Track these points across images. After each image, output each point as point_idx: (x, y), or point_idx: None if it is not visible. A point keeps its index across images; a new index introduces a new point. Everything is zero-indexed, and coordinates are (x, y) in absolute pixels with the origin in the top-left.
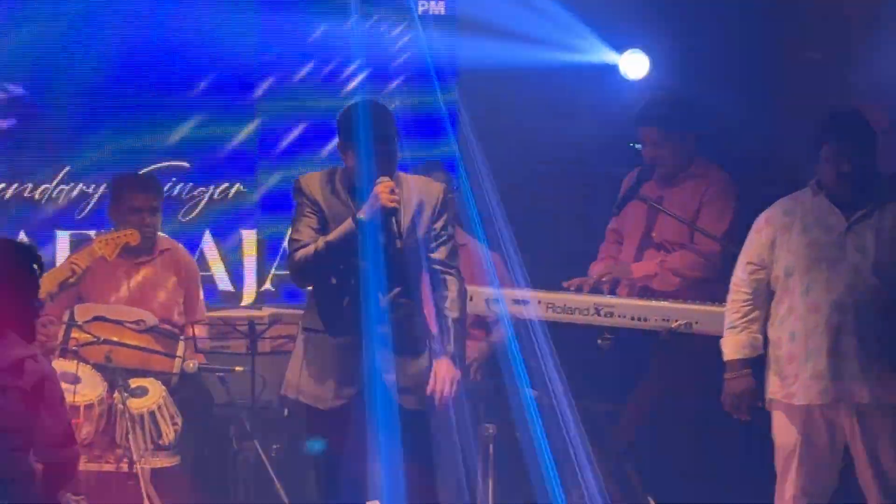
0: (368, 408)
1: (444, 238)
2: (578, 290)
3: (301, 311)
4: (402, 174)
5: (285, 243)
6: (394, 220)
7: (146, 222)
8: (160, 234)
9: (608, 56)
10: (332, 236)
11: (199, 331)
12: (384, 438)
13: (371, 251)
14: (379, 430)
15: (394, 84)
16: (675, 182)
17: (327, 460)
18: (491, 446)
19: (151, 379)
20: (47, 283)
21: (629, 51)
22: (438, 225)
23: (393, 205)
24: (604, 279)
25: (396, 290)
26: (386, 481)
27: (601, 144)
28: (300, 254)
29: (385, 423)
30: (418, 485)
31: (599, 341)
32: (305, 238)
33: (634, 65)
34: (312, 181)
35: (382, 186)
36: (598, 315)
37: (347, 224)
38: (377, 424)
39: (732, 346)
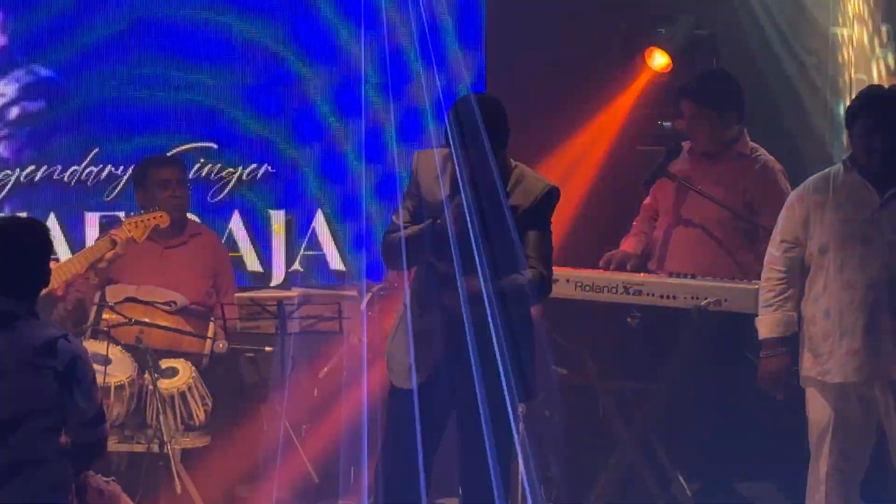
0: (442, 395)
1: (532, 232)
2: (608, 264)
3: (328, 291)
4: (518, 166)
5: None
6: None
7: (176, 194)
8: (190, 217)
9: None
10: (414, 230)
11: (229, 312)
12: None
13: (449, 253)
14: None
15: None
16: (713, 161)
17: (389, 441)
18: (521, 425)
19: (182, 360)
20: (78, 264)
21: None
22: (531, 220)
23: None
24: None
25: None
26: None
27: (632, 120)
28: (390, 237)
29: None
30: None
31: (628, 319)
32: (399, 221)
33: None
34: (424, 160)
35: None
36: (627, 293)
37: (427, 224)
38: (456, 413)
39: (768, 325)
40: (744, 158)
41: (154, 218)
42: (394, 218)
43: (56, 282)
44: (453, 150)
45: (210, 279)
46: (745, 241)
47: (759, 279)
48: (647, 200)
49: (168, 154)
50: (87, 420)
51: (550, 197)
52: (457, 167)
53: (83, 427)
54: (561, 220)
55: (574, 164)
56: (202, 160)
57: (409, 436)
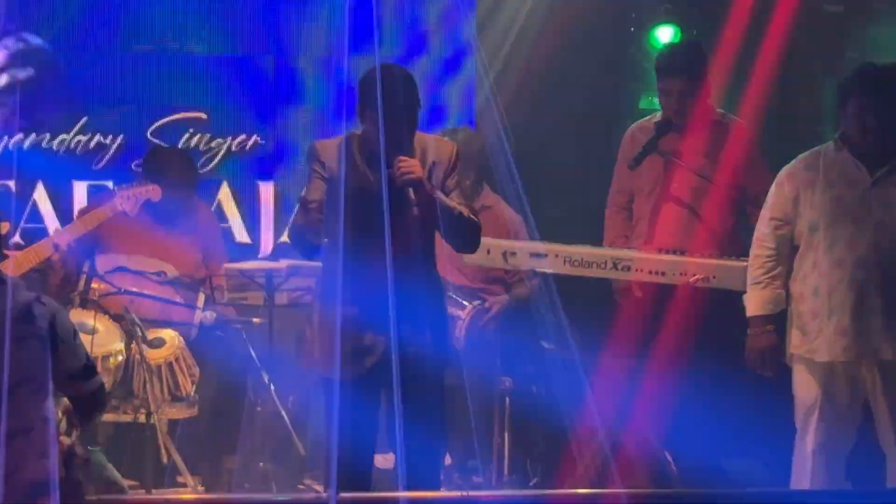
0: (384, 378)
1: (455, 191)
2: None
3: (316, 263)
4: (418, 134)
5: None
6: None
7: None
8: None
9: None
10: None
11: (218, 283)
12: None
13: (385, 220)
14: (400, 398)
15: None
16: (686, 133)
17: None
18: (507, 399)
19: (169, 330)
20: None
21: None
22: (451, 182)
23: (413, 177)
24: None
25: (409, 255)
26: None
27: (620, 99)
28: (313, 215)
29: (404, 393)
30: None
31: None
32: (319, 197)
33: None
34: (328, 148)
35: (404, 166)
36: (616, 269)
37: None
38: (397, 394)
39: (756, 302)
40: (714, 125)
41: (146, 191)
42: (311, 196)
43: (23, 268)
44: (374, 118)
45: (201, 252)
46: (730, 209)
47: (745, 248)
48: (617, 187)
49: (157, 125)
50: (78, 374)
51: (459, 155)
52: (376, 134)
53: (76, 381)
54: (552, 197)
55: (563, 141)
56: (191, 130)
57: (354, 429)
